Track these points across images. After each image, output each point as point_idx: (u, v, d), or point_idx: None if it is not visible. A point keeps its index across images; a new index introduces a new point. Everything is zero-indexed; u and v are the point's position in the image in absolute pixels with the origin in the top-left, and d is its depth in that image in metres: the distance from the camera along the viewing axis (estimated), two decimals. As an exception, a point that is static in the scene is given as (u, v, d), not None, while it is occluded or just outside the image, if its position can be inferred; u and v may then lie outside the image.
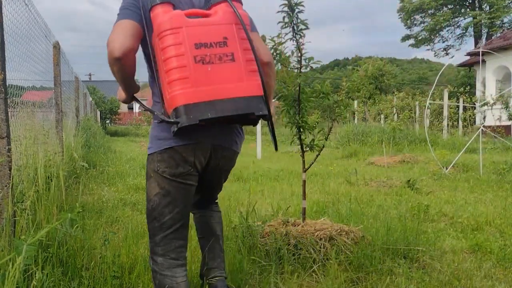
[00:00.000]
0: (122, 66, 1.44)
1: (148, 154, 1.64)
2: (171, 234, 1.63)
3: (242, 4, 1.56)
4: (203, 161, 1.62)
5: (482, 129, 6.89)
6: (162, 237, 1.62)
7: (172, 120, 1.39)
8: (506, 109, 10.07)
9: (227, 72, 1.42)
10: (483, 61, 18.11)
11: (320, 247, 2.45)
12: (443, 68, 7.22)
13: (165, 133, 1.54)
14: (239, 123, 1.61)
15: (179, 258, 1.64)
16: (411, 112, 13.64)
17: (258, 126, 9.68)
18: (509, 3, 27.63)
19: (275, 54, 2.52)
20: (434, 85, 7.80)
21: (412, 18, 32.78)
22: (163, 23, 1.41)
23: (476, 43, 30.12)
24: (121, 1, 1.56)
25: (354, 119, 18.15)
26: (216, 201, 2.04)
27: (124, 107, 47.47)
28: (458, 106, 14.97)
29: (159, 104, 1.53)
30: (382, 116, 16.86)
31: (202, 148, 1.59)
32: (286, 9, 2.42)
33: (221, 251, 1.93)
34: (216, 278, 1.84)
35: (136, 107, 50.72)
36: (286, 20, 2.43)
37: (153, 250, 1.64)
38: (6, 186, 2.13)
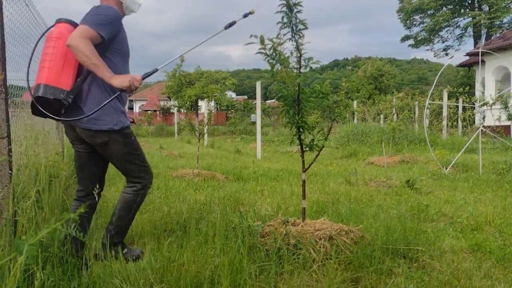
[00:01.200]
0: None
1: None
2: (78, 178, 2.50)
3: (70, 21, 2.25)
4: (73, 136, 2.38)
5: (481, 129, 6.90)
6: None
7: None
8: (506, 109, 10.07)
9: (38, 73, 2.18)
10: (483, 61, 18.12)
11: (320, 247, 2.45)
12: (443, 68, 7.22)
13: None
14: (46, 106, 2.16)
15: (76, 196, 2.47)
16: (410, 112, 13.65)
17: (258, 127, 9.67)
18: (509, 4, 27.65)
19: (274, 54, 2.52)
20: (434, 85, 7.81)
21: (411, 18, 32.80)
22: None
23: (475, 43, 30.15)
24: None
25: (353, 119, 18.18)
26: (130, 180, 2.52)
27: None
28: (457, 106, 14.98)
29: None
30: (382, 116, 16.88)
31: (65, 127, 2.42)
32: (284, 9, 2.42)
33: (114, 223, 2.44)
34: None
35: (136, 107, 50.77)
36: (285, 20, 2.43)
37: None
38: (6, 186, 2.14)
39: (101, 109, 2.24)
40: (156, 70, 2.46)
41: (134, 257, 2.41)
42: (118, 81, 2.17)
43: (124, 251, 2.37)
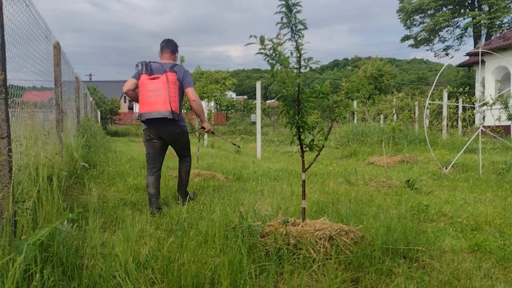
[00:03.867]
0: (129, 96, 3.88)
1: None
2: (149, 162, 3.92)
3: (175, 72, 3.73)
4: (156, 135, 3.83)
5: (481, 129, 6.90)
6: (147, 162, 3.94)
7: (139, 119, 3.70)
8: (506, 109, 10.07)
9: (156, 100, 3.58)
10: (483, 61, 18.13)
11: (320, 247, 2.45)
12: (443, 68, 7.22)
13: (144, 124, 3.81)
14: (163, 121, 3.68)
15: (151, 173, 3.88)
16: (410, 112, 13.65)
17: (258, 127, 9.70)
18: (509, 4, 27.65)
19: (274, 54, 2.52)
20: (434, 85, 7.81)
21: (411, 18, 32.80)
22: (140, 81, 3.67)
23: (475, 43, 30.15)
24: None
25: (353, 119, 18.19)
26: (184, 159, 4.18)
27: (124, 107, 47.50)
28: (457, 106, 14.98)
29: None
30: (382, 116, 16.88)
31: (152, 129, 3.80)
32: (284, 9, 2.42)
33: (181, 182, 4.16)
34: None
35: (136, 107, 50.87)
36: (285, 20, 2.43)
37: (147, 168, 3.95)
38: (6, 186, 2.14)
39: (183, 120, 3.90)
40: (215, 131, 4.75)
41: (194, 196, 4.28)
42: (206, 124, 4.23)
43: (188, 198, 4.09)
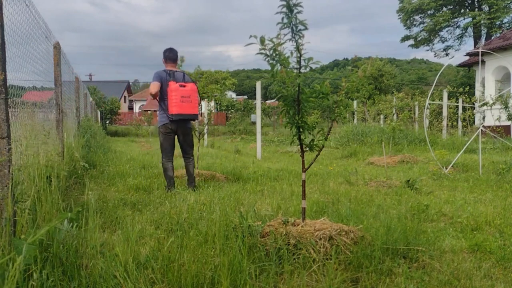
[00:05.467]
0: (154, 97, 4.76)
1: (159, 126, 4.91)
2: (167, 152, 4.89)
3: (195, 82, 4.97)
4: (174, 130, 4.85)
5: (481, 129, 6.89)
6: (164, 152, 4.89)
7: (171, 118, 4.70)
8: (506, 109, 10.07)
9: (188, 105, 4.71)
10: (483, 62, 18.13)
11: (320, 247, 2.45)
12: (443, 68, 7.22)
13: (164, 119, 4.80)
14: (188, 120, 4.86)
15: (170, 160, 4.89)
16: (410, 112, 13.65)
17: (258, 127, 9.70)
18: (509, 4, 27.65)
19: (274, 54, 2.52)
20: (434, 85, 7.81)
21: (411, 18, 32.81)
22: (171, 87, 4.63)
23: (475, 43, 30.15)
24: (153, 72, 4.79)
25: (353, 119, 18.19)
26: (190, 156, 5.01)
27: (124, 107, 47.49)
28: (457, 106, 14.98)
29: (163, 111, 4.80)
30: (382, 116, 16.89)
31: (174, 125, 4.81)
32: (284, 10, 2.42)
33: (190, 176, 4.94)
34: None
35: (136, 107, 50.83)
36: (285, 21, 2.43)
37: (162, 155, 4.91)
38: (6, 186, 2.14)
39: None
40: None
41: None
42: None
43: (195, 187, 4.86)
